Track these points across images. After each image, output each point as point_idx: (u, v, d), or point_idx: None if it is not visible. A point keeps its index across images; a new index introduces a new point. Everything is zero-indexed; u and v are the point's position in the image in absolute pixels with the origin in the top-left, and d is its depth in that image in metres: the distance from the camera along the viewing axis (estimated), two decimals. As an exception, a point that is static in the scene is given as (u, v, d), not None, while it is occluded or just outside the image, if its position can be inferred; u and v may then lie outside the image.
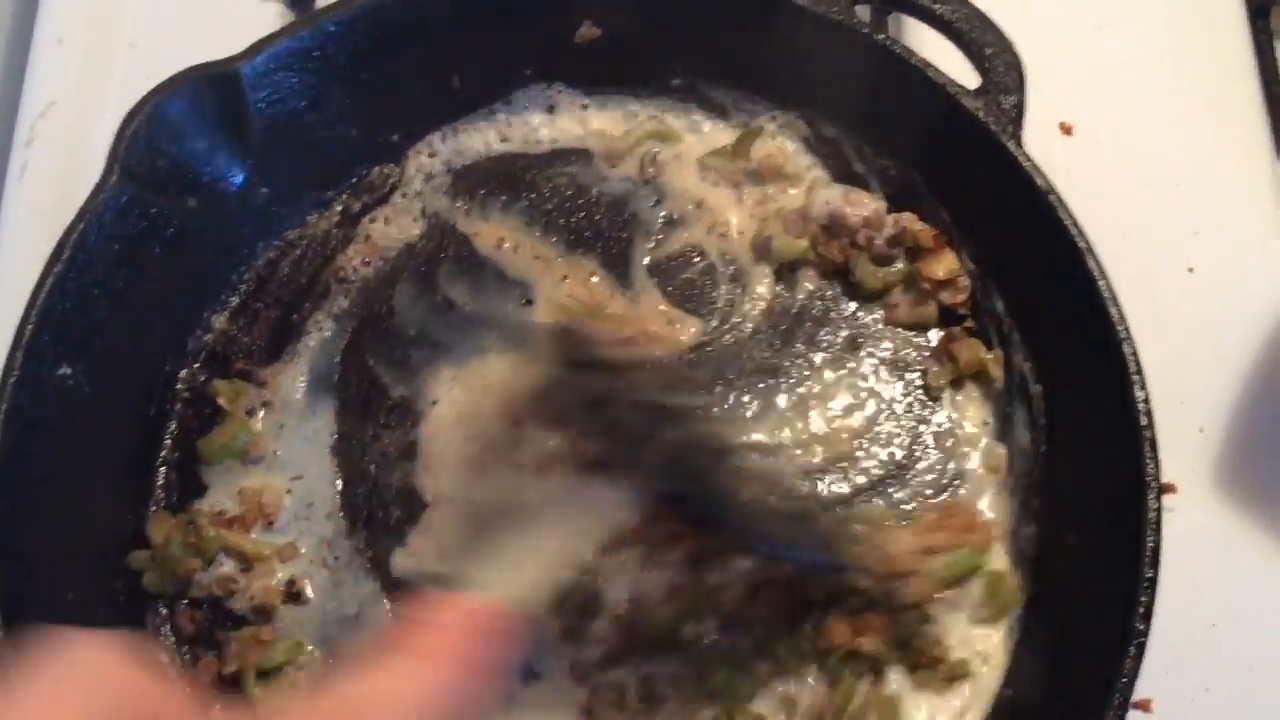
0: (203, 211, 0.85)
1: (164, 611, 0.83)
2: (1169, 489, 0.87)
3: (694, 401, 0.77)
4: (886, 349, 0.91)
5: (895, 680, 0.81)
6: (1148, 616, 0.73)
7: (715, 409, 0.86)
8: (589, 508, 0.63)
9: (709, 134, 0.96)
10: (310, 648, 0.81)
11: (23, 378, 0.75)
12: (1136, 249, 0.95)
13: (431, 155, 0.95)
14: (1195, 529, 0.90)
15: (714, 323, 0.90)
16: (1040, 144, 0.84)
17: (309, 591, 0.83)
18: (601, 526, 0.63)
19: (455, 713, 0.50)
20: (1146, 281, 0.94)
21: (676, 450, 0.67)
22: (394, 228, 0.94)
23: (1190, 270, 0.99)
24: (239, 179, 0.87)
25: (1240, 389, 0.95)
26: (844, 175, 0.93)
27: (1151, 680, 0.75)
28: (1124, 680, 0.71)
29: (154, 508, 0.85)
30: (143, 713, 0.43)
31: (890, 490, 0.86)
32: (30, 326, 0.76)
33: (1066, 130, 1.02)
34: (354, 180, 0.94)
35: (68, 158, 0.98)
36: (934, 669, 0.80)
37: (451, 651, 0.50)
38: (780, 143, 0.94)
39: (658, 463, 0.65)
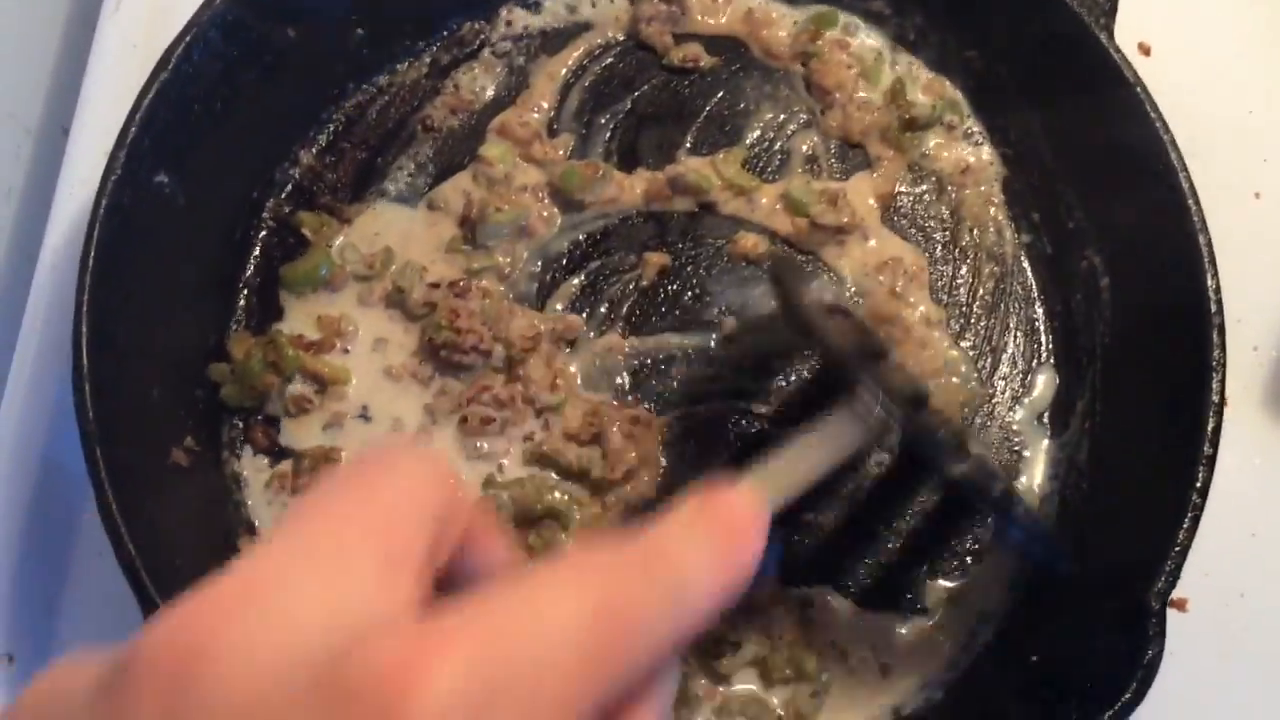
0: (300, 44, 0.86)
1: (239, 424, 0.84)
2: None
3: None
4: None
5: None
6: (1204, 492, 0.74)
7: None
8: (843, 426, 0.64)
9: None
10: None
11: (123, 177, 0.77)
12: (1204, 172, 0.95)
13: (521, 15, 0.96)
14: (1243, 443, 0.91)
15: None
16: (1120, 59, 0.86)
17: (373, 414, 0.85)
18: (845, 447, 0.64)
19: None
20: (1213, 204, 0.95)
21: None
22: (481, 83, 0.95)
23: (1257, 195, 1.00)
24: (338, 14, 0.88)
25: (1295, 312, 0.96)
26: (926, 62, 0.95)
27: (1189, 582, 0.76)
28: (1177, 548, 0.73)
29: (235, 327, 0.86)
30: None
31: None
32: (134, 129, 0.77)
33: (1145, 51, 1.03)
34: (445, 33, 0.95)
35: (162, -5, 0.99)
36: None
37: (749, 535, 0.47)
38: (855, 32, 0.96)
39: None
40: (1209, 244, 0.79)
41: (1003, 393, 0.89)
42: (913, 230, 0.93)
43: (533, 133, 0.92)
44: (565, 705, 0.37)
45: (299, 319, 0.87)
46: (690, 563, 0.44)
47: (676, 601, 0.42)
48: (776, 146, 0.94)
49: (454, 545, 0.44)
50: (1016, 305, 0.91)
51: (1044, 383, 0.89)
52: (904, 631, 0.83)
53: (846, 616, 0.83)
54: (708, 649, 0.80)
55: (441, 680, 0.34)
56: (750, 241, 0.90)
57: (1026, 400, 0.89)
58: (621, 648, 0.39)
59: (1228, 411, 0.88)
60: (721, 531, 0.46)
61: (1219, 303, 0.78)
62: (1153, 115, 0.81)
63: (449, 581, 0.44)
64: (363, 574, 0.38)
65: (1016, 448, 0.88)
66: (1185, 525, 0.73)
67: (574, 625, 0.38)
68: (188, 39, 0.80)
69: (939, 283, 0.91)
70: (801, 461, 0.61)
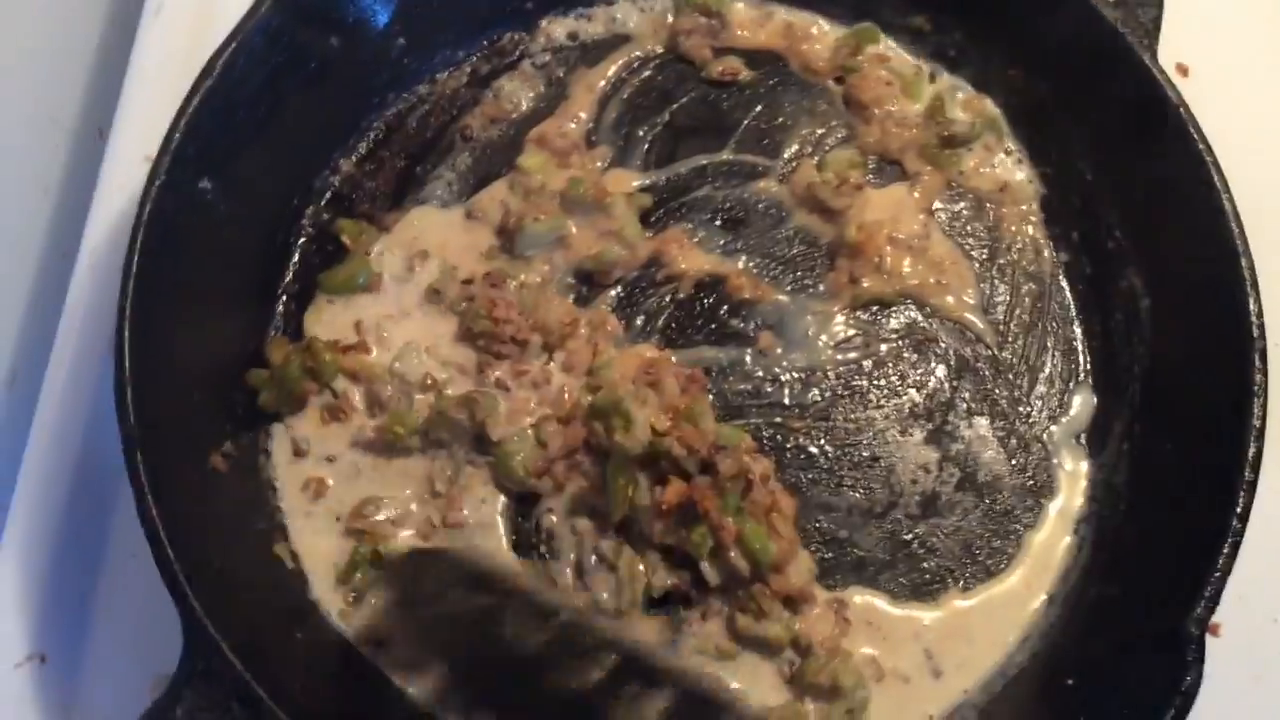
0: (343, 53, 0.87)
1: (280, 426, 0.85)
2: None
3: None
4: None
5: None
6: (1245, 517, 0.74)
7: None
8: None
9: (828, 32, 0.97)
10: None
11: (167, 183, 0.77)
12: (1245, 194, 0.95)
13: (561, 27, 0.97)
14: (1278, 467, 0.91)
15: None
16: (1164, 72, 0.85)
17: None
18: None
19: None
20: (1254, 227, 0.94)
21: None
22: (520, 93, 0.95)
23: (1294, 214, 0.99)
24: (381, 23, 0.89)
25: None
26: (966, 79, 0.95)
27: (1223, 607, 0.76)
28: (1216, 574, 0.72)
29: (273, 333, 0.87)
30: None
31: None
32: (179, 135, 0.78)
33: (1183, 72, 1.03)
34: (485, 43, 0.96)
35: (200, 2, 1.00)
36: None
37: None
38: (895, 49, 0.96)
39: None
40: (1251, 267, 0.79)
41: (1039, 411, 0.89)
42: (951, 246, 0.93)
43: (571, 144, 0.92)
44: None
45: (336, 324, 0.87)
46: None
47: None
48: (814, 160, 0.94)
49: None
50: (1054, 324, 0.91)
51: (1081, 402, 0.89)
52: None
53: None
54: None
55: None
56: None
57: (1064, 419, 0.89)
58: None
59: (1269, 435, 0.88)
60: None
61: (1261, 326, 0.78)
62: (1196, 136, 0.81)
63: None
64: None
65: (1053, 467, 0.87)
66: (1225, 551, 0.73)
67: None
68: (234, 45, 0.80)
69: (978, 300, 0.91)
70: None
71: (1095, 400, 0.89)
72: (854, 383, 0.89)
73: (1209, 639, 0.84)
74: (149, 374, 0.75)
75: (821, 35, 0.97)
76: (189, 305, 0.79)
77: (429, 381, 0.85)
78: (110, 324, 0.75)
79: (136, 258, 0.75)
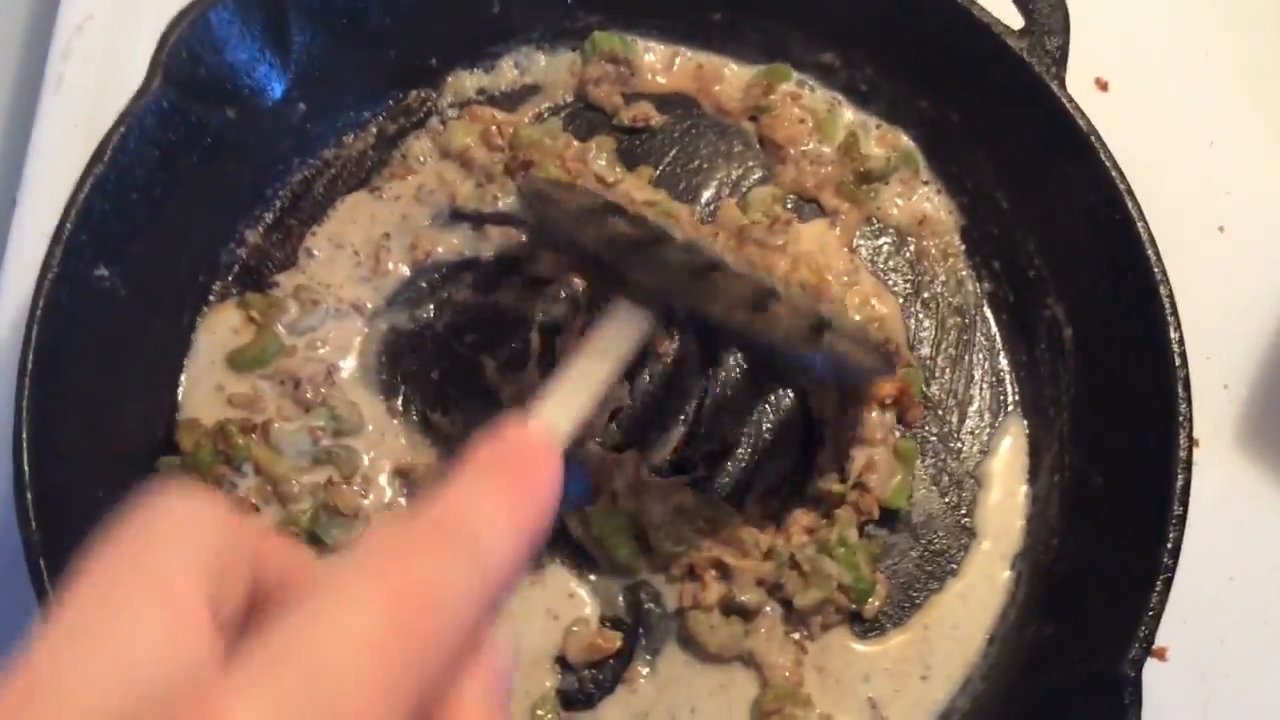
0: (240, 124, 0.85)
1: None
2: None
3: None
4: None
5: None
6: (1176, 553, 0.73)
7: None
8: (618, 327, 0.65)
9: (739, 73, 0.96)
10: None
11: (61, 275, 0.75)
12: (1167, 207, 0.94)
13: (469, 81, 0.95)
14: (1216, 484, 0.90)
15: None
16: (1075, 97, 0.84)
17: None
18: (628, 347, 0.64)
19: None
20: (1177, 239, 0.94)
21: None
22: (428, 153, 0.93)
23: (1220, 229, 0.99)
24: (278, 93, 0.87)
25: (1266, 348, 0.95)
26: (878, 113, 0.94)
27: (1168, 630, 0.75)
28: (1150, 614, 0.72)
29: (184, 415, 0.85)
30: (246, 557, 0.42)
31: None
32: (70, 224, 0.76)
33: (1102, 86, 1.02)
34: (390, 103, 0.94)
35: (102, 72, 0.98)
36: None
37: (541, 473, 0.46)
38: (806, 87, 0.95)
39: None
40: (1170, 296, 0.78)
41: (970, 446, 0.88)
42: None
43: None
44: (379, 715, 0.36)
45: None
46: (484, 518, 0.43)
47: (476, 567, 0.41)
48: (733, 203, 0.93)
49: (247, 579, 0.42)
50: (981, 356, 0.90)
51: (1012, 436, 0.88)
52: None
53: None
54: None
55: None
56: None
57: (995, 453, 0.88)
58: (424, 636, 0.38)
59: (1199, 453, 0.87)
60: (512, 476, 0.45)
61: (1183, 355, 0.77)
62: (1108, 165, 0.80)
63: (262, 612, 0.42)
64: (151, 633, 0.37)
65: (987, 503, 0.86)
66: (1157, 589, 0.72)
67: (369, 630, 0.37)
68: (122, 130, 0.78)
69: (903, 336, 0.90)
70: (585, 377, 0.60)
71: (1026, 433, 0.88)
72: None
73: (1157, 664, 0.85)
74: (51, 476, 0.72)
75: (732, 76, 0.95)
76: (93, 398, 0.77)
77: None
78: (9, 423, 0.73)
79: (32, 355, 0.73)
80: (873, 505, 0.83)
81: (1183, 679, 0.85)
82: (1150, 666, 0.72)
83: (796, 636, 0.82)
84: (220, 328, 0.87)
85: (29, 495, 0.71)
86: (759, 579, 0.81)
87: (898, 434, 0.86)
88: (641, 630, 0.82)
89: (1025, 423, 0.88)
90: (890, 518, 0.85)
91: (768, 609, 0.81)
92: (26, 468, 0.71)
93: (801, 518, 0.83)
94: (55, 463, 0.73)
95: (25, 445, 0.72)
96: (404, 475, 0.84)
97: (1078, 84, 0.86)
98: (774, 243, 0.89)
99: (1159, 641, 0.81)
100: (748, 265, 0.84)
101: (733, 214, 0.90)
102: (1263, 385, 0.94)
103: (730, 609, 0.81)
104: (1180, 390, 0.76)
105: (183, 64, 0.80)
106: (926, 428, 0.88)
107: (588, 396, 0.60)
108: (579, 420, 0.58)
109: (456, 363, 0.88)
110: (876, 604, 0.82)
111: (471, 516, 0.43)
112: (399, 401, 0.86)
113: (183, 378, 0.86)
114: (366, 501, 0.83)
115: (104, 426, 0.79)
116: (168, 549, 0.40)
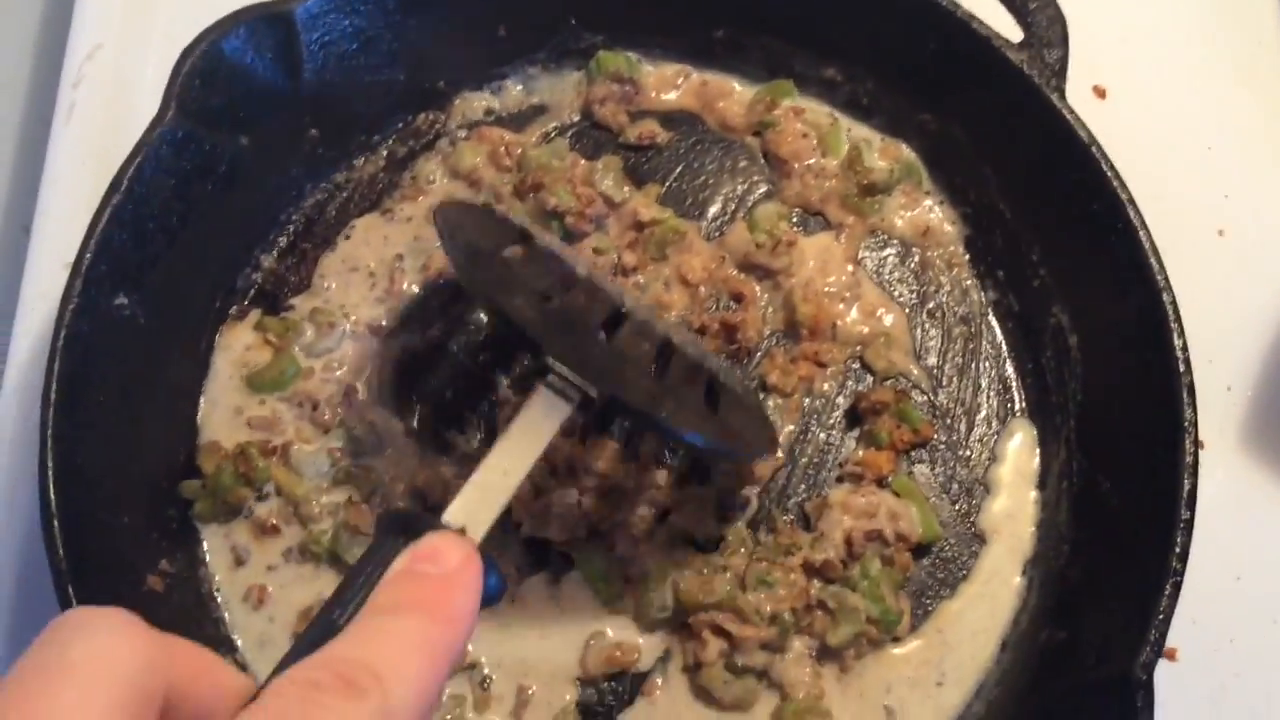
0: (254, 151, 0.86)
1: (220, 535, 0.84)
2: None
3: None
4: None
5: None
6: (1184, 557, 0.74)
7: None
8: (536, 419, 0.64)
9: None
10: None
11: (81, 305, 0.76)
12: (1168, 212, 0.95)
13: (477, 102, 0.96)
14: (1222, 485, 0.91)
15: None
16: (1074, 106, 0.86)
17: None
18: (545, 435, 0.64)
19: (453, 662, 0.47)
20: (1177, 244, 0.95)
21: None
22: (438, 174, 0.95)
23: (1220, 233, 1.00)
24: (289, 119, 0.88)
25: (1267, 349, 0.96)
26: (881, 127, 0.95)
27: (1178, 630, 0.76)
28: (1160, 618, 0.72)
29: (204, 438, 0.86)
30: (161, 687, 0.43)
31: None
32: (89, 255, 0.77)
33: (1100, 93, 1.03)
34: (400, 125, 0.95)
35: (114, 100, 0.99)
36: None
37: (443, 604, 0.47)
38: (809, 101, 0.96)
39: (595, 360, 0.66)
40: (1174, 302, 0.79)
41: (979, 454, 0.89)
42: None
43: (492, 221, 0.92)
44: None
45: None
46: (391, 668, 0.43)
47: (383, 715, 0.42)
48: (739, 218, 0.94)
49: (169, 691, 0.43)
50: (988, 364, 0.91)
51: (1020, 442, 0.89)
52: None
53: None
54: None
55: None
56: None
57: (1004, 460, 0.89)
58: None
59: (1204, 455, 0.88)
60: (424, 612, 0.46)
61: (1188, 361, 0.78)
62: (1110, 175, 0.81)
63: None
64: None
65: (997, 509, 0.87)
66: (1167, 592, 0.73)
67: None
68: (139, 160, 0.79)
69: (910, 346, 0.91)
70: (500, 474, 0.61)
71: (1034, 439, 0.89)
72: (799, 460, 0.89)
73: (1167, 664, 0.85)
74: (77, 504, 0.73)
75: (736, 92, 0.96)
76: (115, 424, 0.78)
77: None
78: (32, 453, 0.74)
79: (55, 386, 0.74)
80: (907, 553, 0.84)
81: (1193, 678, 0.86)
82: (1161, 667, 0.73)
83: (826, 671, 0.82)
84: (237, 350, 0.88)
85: (55, 524, 0.72)
86: (763, 643, 0.80)
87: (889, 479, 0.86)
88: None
89: (1033, 429, 0.89)
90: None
91: (797, 644, 0.82)
92: (53, 496, 0.72)
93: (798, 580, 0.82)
94: (81, 490, 0.74)
95: (51, 474, 0.73)
96: (421, 493, 0.85)
97: (1076, 91, 0.88)
98: (776, 265, 0.90)
99: (1168, 642, 0.82)
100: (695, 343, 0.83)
101: (743, 237, 0.91)
102: (1265, 386, 0.95)
103: (739, 670, 0.81)
104: (1185, 396, 0.77)
105: (196, 93, 0.81)
106: (935, 437, 0.89)
107: (503, 493, 0.60)
108: (494, 518, 0.59)
109: (470, 381, 0.89)
110: (904, 627, 0.82)
111: (380, 665, 0.43)
112: (415, 420, 0.87)
113: (201, 400, 0.87)
114: (385, 521, 0.84)
115: (127, 452, 0.80)
116: (93, 670, 0.40)
